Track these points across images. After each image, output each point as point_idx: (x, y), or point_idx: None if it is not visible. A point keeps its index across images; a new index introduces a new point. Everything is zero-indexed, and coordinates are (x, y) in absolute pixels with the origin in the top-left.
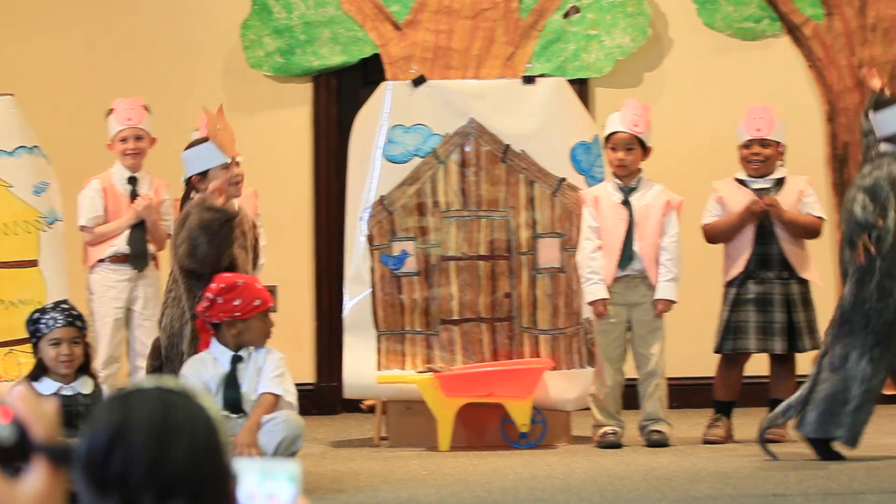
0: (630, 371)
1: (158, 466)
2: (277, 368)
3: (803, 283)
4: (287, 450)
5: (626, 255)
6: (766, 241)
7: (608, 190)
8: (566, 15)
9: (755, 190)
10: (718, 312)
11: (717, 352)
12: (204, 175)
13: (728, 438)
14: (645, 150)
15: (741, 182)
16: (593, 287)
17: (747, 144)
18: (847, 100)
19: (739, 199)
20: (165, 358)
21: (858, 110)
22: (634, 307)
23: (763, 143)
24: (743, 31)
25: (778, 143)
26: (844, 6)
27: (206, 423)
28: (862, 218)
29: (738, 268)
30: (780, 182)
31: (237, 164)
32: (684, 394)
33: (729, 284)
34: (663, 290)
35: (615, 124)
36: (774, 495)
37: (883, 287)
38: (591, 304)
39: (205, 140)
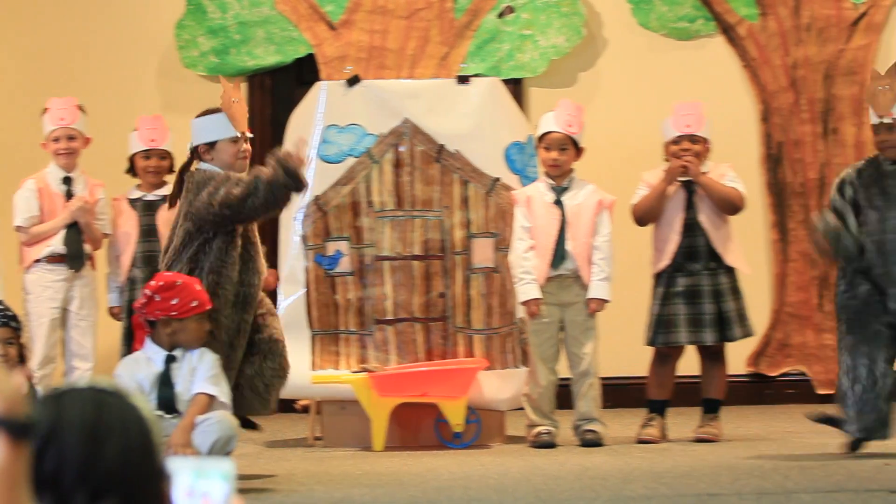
0: (564, 371)
1: (90, 466)
2: (212, 369)
3: (731, 272)
4: (221, 450)
5: (559, 255)
6: (692, 232)
7: (540, 190)
8: (501, 15)
9: (683, 183)
10: (648, 306)
11: (649, 344)
12: (212, 145)
13: (662, 438)
14: (578, 150)
15: None
16: (526, 287)
17: (676, 140)
18: (781, 99)
19: (668, 192)
20: None
21: (792, 110)
22: (567, 307)
23: (692, 139)
24: (677, 31)
25: (705, 139)
26: (779, 6)
27: (138, 423)
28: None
29: (665, 260)
30: None
31: (246, 139)
32: (618, 393)
33: (657, 277)
34: (596, 290)
35: (549, 124)
36: (709, 495)
37: (852, 282)
38: (524, 303)
39: (218, 110)
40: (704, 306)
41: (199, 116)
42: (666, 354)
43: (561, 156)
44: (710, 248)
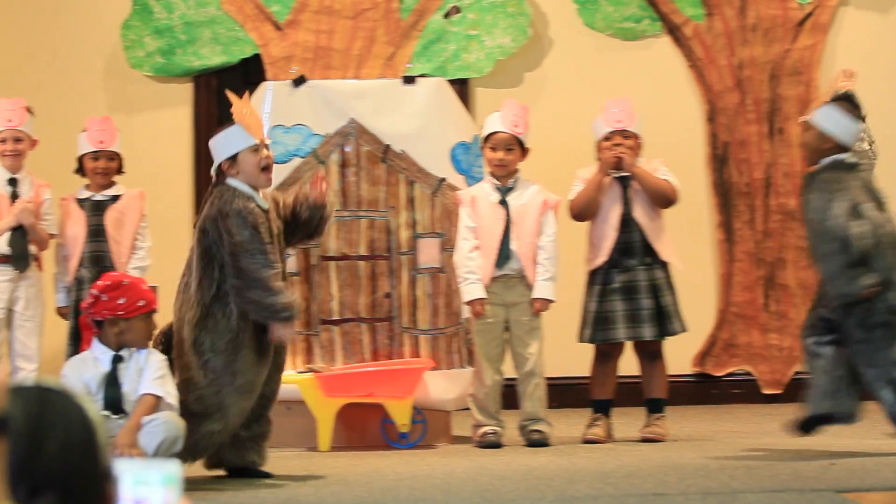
0: (509, 371)
1: (30, 461)
2: (159, 370)
3: (665, 267)
4: (167, 451)
5: (504, 255)
6: (627, 228)
7: (485, 190)
8: (447, 15)
9: (617, 179)
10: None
11: (588, 342)
12: (234, 159)
13: (608, 438)
14: (524, 150)
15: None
16: (470, 287)
17: (608, 137)
18: (727, 100)
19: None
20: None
21: (738, 110)
22: (512, 307)
23: (624, 134)
24: (623, 31)
25: (637, 135)
26: (725, 6)
27: (81, 423)
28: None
29: (602, 256)
30: None
31: (266, 147)
32: (564, 393)
33: (593, 274)
34: (541, 290)
35: (495, 124)
36: (654, 494)
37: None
38: (468, 303)
39: (231, 124)
40: (642, 301)
41: (214, 136)
42: (606, 353)
43: (507, 156)
44: (646, 243)
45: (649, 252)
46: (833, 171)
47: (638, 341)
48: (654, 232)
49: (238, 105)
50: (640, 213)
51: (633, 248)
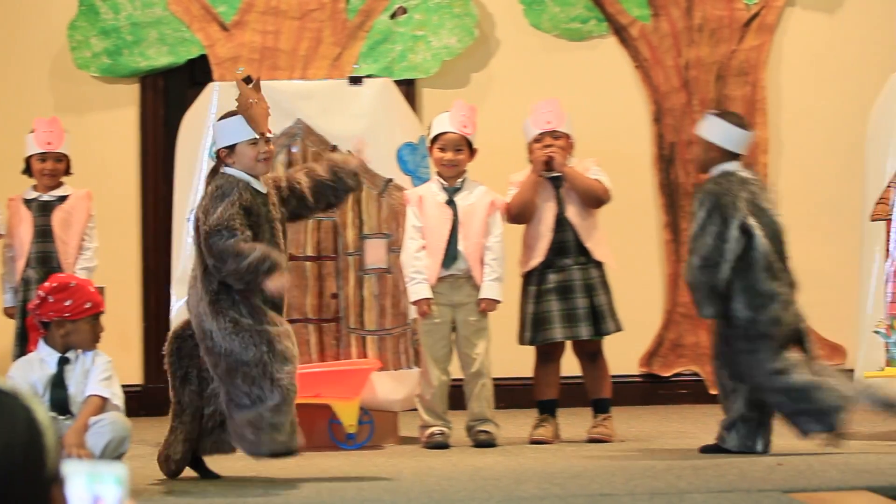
0: (456, 371)
1: None
2: (105, 371)
3: (600, 266)
4: (114, 451)
5: (451, 255)
6: (561, 228)
7: (433, 190)
8: (393, 16)
9: (551, 180)
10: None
11: (528, 343)
12: (232, 149)
13: (555, 438)
14: (472, 151)
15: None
16: (417, 287)
17: (538, 138)
18: (673, 100)
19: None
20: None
21: (685, 111)
22: (459, 307)
23: (554, 135)
24: (570, 32)
25: (568, 135)
26: (671, 7)
27: (27, 424)
28: None
29: (538, 257)
30: None
31: (267, 140)
32: (511, 394)
33: (528, 276)
34: (488, 290)
35: (444, 125)
36: (601, 495)
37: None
38: (414, 303)
39: (235, 113)
40: (577, 301)
41: (220, 119)
42: (547, 353)
43: (456, 156)
44: (579, 242)
45: (583, 252)
46: (722, 181)
47: (577, 342)
48: (588, 231)
49: (245, 94)
50: (573, 213)
51: (567, 247)
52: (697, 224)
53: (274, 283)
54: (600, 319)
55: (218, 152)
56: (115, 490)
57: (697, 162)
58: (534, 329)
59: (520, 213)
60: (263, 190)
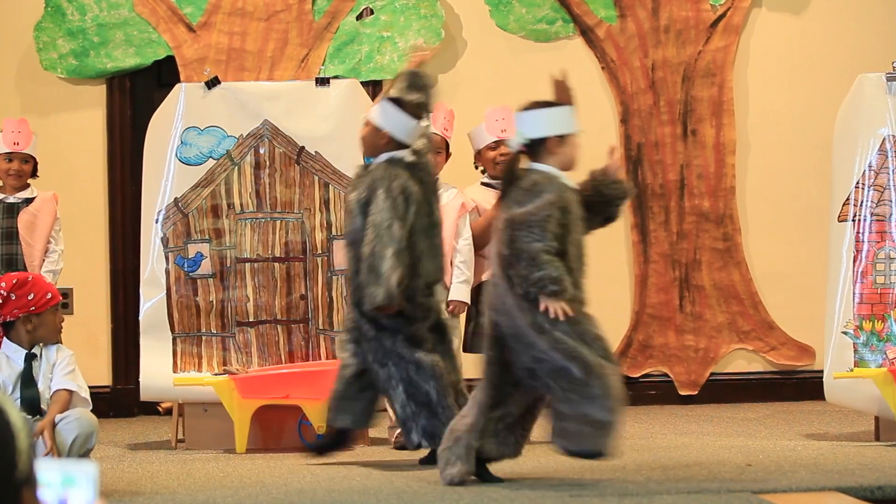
0: None
1: None
2: (69, 365)
3: None
4: (81, 448)
5: None
6: None
7: None
8: (359, 17)
9: None
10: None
11: (479, 352)
12: (562, 139)
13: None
14: (448, 154)
15: (488, 185)
16: None
17: (493, 146)
18: (640, 101)
19: (492, 202)
20: None
21: (652, 111)
22: None
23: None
24: (536, 33)
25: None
26: (637, 8)
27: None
28: None
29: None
30: None
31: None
32: None
33: (481, 286)
34: (457, 292)
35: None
36: (571, 496)
37: None
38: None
39: (560, 104)
40: None
41: (541, 108)
42: None
43: (435, 158)
44: None
45: None
46: (388, 167)
47: None
48: None
49: (568, 88)
50: None
51: None
52: (364, 211)
53: (553, 307)
54: None
55: (533, 141)
56: (86, 490)
57: (365, 145)
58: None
59: (481, 245)
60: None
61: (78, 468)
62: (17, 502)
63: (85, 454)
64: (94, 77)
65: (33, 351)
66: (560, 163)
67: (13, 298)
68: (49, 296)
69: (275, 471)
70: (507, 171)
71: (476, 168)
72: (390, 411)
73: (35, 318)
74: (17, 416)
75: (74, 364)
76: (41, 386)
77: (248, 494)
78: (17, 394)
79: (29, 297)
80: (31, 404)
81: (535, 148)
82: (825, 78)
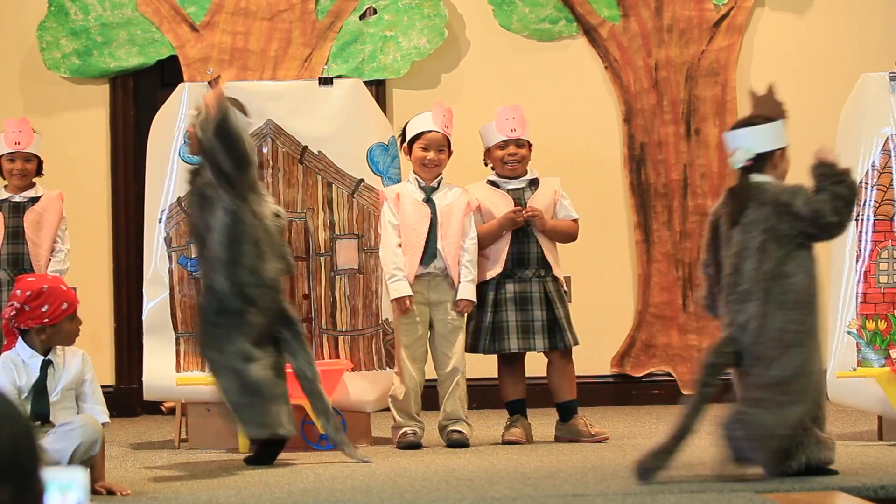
0: (429, 371)
1: None
2: (98, 389)
3: (557, 279)
4: (84, 455)
5: (430, 253)
6: (522, 239)
7: (409, 188)
8: (363, 16)
9: (510, 190)
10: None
11: (483, 352)
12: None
13: (527, 439)
14: (449, 152)
15: (494, 184)
16: (398, 284)
17: (502, 145)
18: (643, 101)
19: (496, 201)
20: None
21: (655, 111)
22: (436, 305)
23: (518, 142)
24: (539, 33)
25: (529, 143)
26: (640, 7)
27: (25, 420)
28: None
29: (498, 268)
30: (533, 182)
31: None
32: (483, 394)
33: (486, 284)
34: (464, 291)
35: (427, 124)
36: (574, 495)
37: None
38: (395, 301)
39: (772, 119)
40: (535, 313)
41: (766, 122)
42: (508, 357)
43: (439, 156)
44: (541, 255)
45: (543, 264)
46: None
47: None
48: (550, 246)
49: (780, 101)
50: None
51: (527, 258)
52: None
53: None
54: (557, 332)
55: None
56: (76, 496)
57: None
58: (491, 338)
59: (482, 246)
60: None
61: (66, 475)
62: (42, 493)
63: (87, 461)
64: (97, 77)
65: (49, 357)
66: (780, 175)
67: (27, 310)
68: (64, 306)
69: (278, 470)
70: (742, 188)
71: (486, 165)
72: (393, 411)
73: (49, 329)
74: (24, 412)
75: (96, 382)
76: (53, 397)
77: (252, 494)
78: (29, 401)
79: (43, 310)
80: (40, 415)
81: (762, 162)
82: (828, 78)
